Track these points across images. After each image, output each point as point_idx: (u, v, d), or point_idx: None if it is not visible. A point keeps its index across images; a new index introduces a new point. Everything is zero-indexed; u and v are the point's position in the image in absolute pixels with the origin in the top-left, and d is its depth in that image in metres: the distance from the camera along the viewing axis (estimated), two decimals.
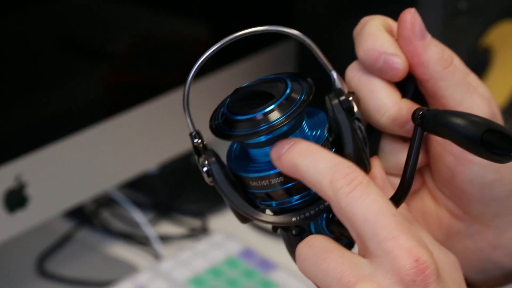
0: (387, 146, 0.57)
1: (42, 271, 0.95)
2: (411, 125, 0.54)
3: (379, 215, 0.47)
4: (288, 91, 0.50)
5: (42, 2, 0.85)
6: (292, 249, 0.54)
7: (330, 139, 0.52)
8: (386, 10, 0.58)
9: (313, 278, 0.49)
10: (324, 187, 0.49)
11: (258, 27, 0.51)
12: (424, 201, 0.59)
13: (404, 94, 0.56)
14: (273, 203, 0.52)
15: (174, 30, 0.98)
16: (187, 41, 0.98)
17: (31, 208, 0.87)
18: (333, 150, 0.52)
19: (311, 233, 0.53)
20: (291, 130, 0.51)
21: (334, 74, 0.53)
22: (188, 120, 0.52)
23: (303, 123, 0.52)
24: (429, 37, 0.55)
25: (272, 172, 0.51)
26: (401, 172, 0.52)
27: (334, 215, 0.51)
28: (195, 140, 0.52)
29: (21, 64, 0.85)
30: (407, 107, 0.55)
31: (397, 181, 0.53)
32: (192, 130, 0.52)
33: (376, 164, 0.55)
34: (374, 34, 0.54)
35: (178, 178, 1.06)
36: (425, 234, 0.52)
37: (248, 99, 0.51)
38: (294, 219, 0.52)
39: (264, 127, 0.49)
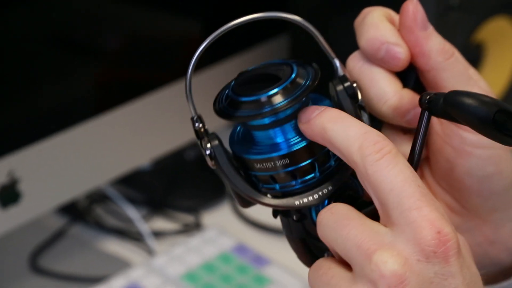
0: (387, 136, 0.56)
1: (35, 267, 0.95)
2: (412, 114, 0.54)
3: (405, 185, 0.47)
4: (293, 75, 0.51)
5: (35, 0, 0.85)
6: (291, 236, 0.54)
7: None
8: (380, 4, 0.58)
9: (332, 244, 0.49)
10: (352, 152, 0.48)
11: (259, 13, 0.51)
12: None
13: (405, 84, 0.56)
14: (277, 186, 0.52)
15: (167, 26, 0.98)
16: (180, 38, 0.98)
17: (24, 204, 0.87)
18: None
19: (312, 220, 0.53)
20: (295, 114, 0.51)
21: (337, 62, 0.53)
22: (190, 104, 0.52)
23: None
24: (431, 27, 0.55)
25: (277, 154, 0.51)
26: None
27: (335, 202, 0.52)
28: (197, 125, 0.52)
29: (13, 60, 0.85)
30: (408, 96, 0.55)
31: None
32: (194, 114, 0.52)
33: None
34: (376, 24, 0.55)
35: (171, 174, 1.06)
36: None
37: (254, 81, 0.51)
38: (297, 202, 0.52)
39: (268, 109, 0.49)
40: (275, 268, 0.93)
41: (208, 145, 0.52)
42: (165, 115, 0.96)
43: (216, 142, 0.52)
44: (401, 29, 0.55)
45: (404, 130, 0.57)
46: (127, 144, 0.95)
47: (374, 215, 0.49)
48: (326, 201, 0.52)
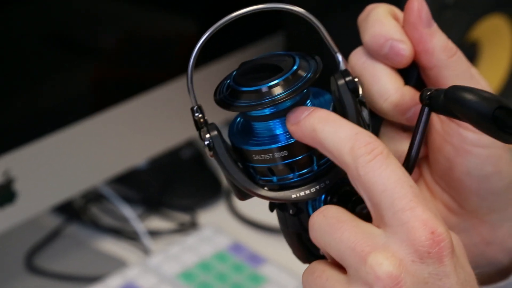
0: (387, 133, 0.57)
1: (31, 266, 0.95)
2: (412, 112, 0.54)
3: (398, 186, 0.47)
4: (295, 67, 0.50)
5: None
6: (287, 230, 0.54)
7: None
8: (382, 1, 0.58)
9: (326, 247, 0.49)
10: (343, 154, 0.48)
11: (261, 4, 0.51)
12: None
13: (407, 82, 0.56)
14: (274, 179, 0.52)
15: (163, 25, 0.98)
16: (176, 37, 0.98)
17: (20, 203, 0.87)
18: None
19: (308, 214, 0.53)
20: (295, 106, 0.51)
21: (339, 56, 0.53)
22: (191, 94, 0.52)
23: (308, 102, 0.52)
24: (435, 25, 0.55)
25: (275, 145, 0.51)
26: (399, 160, 0.52)
27: (332, 197, 0.52)
28: (196, 114, 0.52)
29: (9, 59, 0.85)
30: (410, 94, 0.55)
31: None
32: (194, 104, 0.52)
33: None
34: (381, 20, 0.55)
35: (167, 173, 1.06)
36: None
37: (255, 72, 0.51)
38: (294, 195, 0.52)
39: (268, 100, 0.49)
40: (270, 267, 0.93)
41: (207, 135, 0.52)
42: (161, 114, 0.96)
43: (215, 132, 0.52)
44: (405, 26, 0.55)
45: (404, 128, 0.57)
46: (123, 143, 0.95)
47: (369, 214, 0.49)
48: (323, 196, 0.52)
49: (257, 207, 0.78)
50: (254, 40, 1.00)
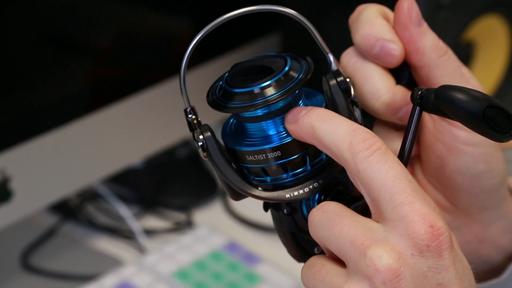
0: (379, 132, 0.57)
1: (26, 265, 0.95)
2: (404, 111, 0.54)
3: (396, 181, 0.48)
4: (287, 68, 0.51)
5: None
6: (281, 229, 0.55)
7: None
8: (373, 1, 0.58)
9: (325, 242, 0.49)
10: (342, 150, 0.49)
11: (253, 6, 0.51)
12: None
13: (398, 81, 0.56)
14: (268, 179, 0.52)
15: (158, 25, 0.98)
16: (172, 36, 0.98)
17: (16, 202, 0.87)
18: None
19: (302, 214, 0.53)
20: (287, 107, 0.51)
21: (331, 57, 0.53)
22: (184, 96, 0.52)
23: (300, 102, 0.53)
24: (425, 25, 0.56)
25: (269, 146, 0.51)
26: None
27: (326, 197, 0.52)
28: (190, 116, 0.52)
29: (4, 58, 0.85)
30: (401, 93, 0.55)
31: None
32: (187, 106, 0.52)
33: None
34: (371, 20, 0.55)
35: (162, 172, 1.07)
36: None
37: (247, 73, 0.51)
38: (287, 195, 0.52)
39: (260, 101, 0.50)
40: (266, 266, 0.93)
41: (201, 137, 0.52)
42: (157, 113, 0.96)
43: (209, 133, 0.52)
44: (396, 26, 0.55)
45: (396, 127, 0.57)
46: (119, 142, 0.95)
47: (365, 210, 0.50)
48: (317, 196, 0.52)
49: (253, 207, 0.78)
50: (250, 40, 1.00)
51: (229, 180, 0.52)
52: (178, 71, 0.52)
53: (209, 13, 0.98)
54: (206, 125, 0.52)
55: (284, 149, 0.51)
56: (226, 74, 0.52)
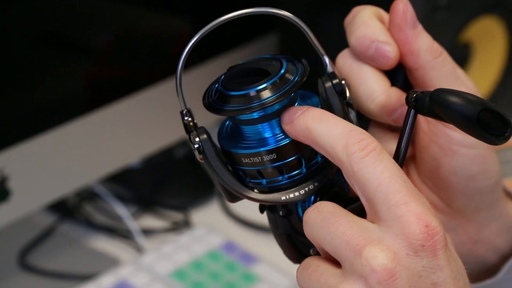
0: (374, 134, 0.57)
1: (24, 264, 0.96)
2: (399, 113, 0.55)
3: (392, 181, 0.48)
4: (283, 70, 0.51)
5: None
6: (277, 231, 0.55)
7: None
8: (369, 3, 0.58)
9: (321, 242, 0.49)
10: (338, 151, 0.49)
11: (249, 8, 0.51)
12: None
13: (393, 83, 0.56)
14: (264, 181, 0.52)
15: (157, 25, 0.98)
16: (170, 36, 0.99)
17: (13, 202, 0.87)
18: None
19: (298, 216, 0.53)
20: (283, 110, 0.52)
21: (326, 59, 0.54)
22: (180, 98, 0.52)
23: (296, 104, 0.53)
24: (420, 26, 0.56)
25: (264, 148, 0.51)
26: None
27: (321, 199, 0.52)
28: (186, 118, 0.52)
29: (2, 58, 0.85)
30: (396, 95, 0.55)
31: None
32: (183, 108, 0.52)
33: None
34: (366, 22, 0.55)
35: (160, 172, 1.07)
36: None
37: (243, 76, 0.51)
38: (283, 198, 0.52)
39: (256, 104, 0.50)
40: (263, 266, 0.93)
41: (197, 139, 0.52)
42: (155, 113, 0.97)
43: (205, 136, 0.52)
44: (391, 27, 0.56)
45: (391, 128, 0.57)
46: (117, 142, 0.95)
47: (360, 212, 0.50)
48: (312, 197, 0.53)
49: (250, 207, 0.78)
50: (247, 41, 1.00)
51: (225, 183, 0.52)
52: (177, 66, 0.52)
53: (208, 13, 0.98)
54: (202, 127, 0.53)
55: (280, 152, 0.51)
56: (222, 77, 0.52)
